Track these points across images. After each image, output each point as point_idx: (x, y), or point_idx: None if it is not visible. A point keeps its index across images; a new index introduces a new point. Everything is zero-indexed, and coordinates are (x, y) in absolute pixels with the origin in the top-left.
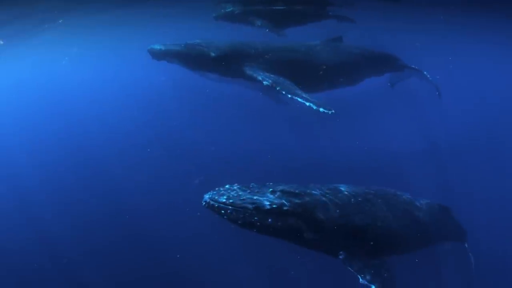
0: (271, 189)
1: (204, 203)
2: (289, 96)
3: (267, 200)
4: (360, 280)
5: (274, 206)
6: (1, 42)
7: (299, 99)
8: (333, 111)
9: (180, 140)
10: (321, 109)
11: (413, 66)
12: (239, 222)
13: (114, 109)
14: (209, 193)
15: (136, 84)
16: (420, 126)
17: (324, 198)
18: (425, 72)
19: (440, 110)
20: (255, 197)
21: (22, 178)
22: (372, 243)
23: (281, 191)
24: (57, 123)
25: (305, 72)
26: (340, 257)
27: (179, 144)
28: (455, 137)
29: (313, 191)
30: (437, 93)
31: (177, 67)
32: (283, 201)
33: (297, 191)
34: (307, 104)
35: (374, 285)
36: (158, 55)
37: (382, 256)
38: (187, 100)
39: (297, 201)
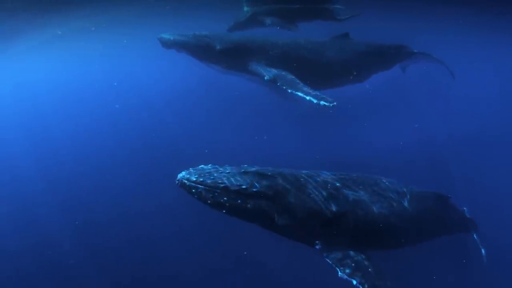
0: (243, 170)
1: (177, 181)
2: (289, 90)
3: (237, 180)
4: (339, 273)
5: (243, 186)
6: (59, 32)
7: (299, 94)
8: (335, 103)
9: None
10: (321, 103)
11: (421, 51)
12: (209, 202)
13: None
14: (183, 172)
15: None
16: (431, 122)
17: (298, 182)
18: (434, 55)
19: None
20: (225, 178)
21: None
22: (352, 233)
23: (253, 172)
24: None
25: (311, 69)
26: (317, 247)
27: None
28: (467, 132)
29: (287, 175)
30: (450, 73)
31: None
32: (254, 182)
33: (269, 173)
34: (307, 98)
35: (355, 280)
36: (167, 44)
37: (367, 249)
38: (207, 99)
39: (268, 183)
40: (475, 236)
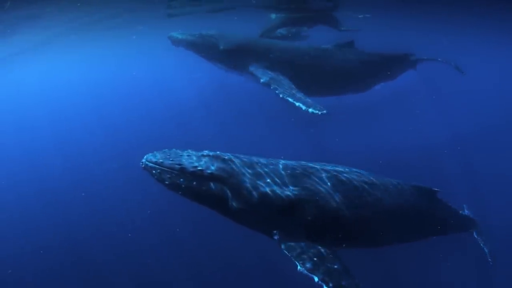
0: (201, 154)
1: (141, 163)
2: (281, 95)
3: (194, 162)
4: (298, 267)
5: (199, 168)
6: (141, 27)
7: (289, 99)
8: (324, 111)
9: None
10: (310, 110)
11: (427, 58)
12: (166, 182)
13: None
14: (147, 154)
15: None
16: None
17: (254, 166)
18: (439, 59)
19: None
20: (183, 160)
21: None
22: (312, 224)
23: (211, 156)
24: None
25: (312, 75)
26: (275, 237)
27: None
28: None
29: (245, 159)
30: (459, 71)
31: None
32: (209, 164)
33: (226, 157)
34: (297, 104)
35: (317, 277)
36: (175, 42)
37: (337, 245)
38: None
39: (222, 166)
40: (475, 234)
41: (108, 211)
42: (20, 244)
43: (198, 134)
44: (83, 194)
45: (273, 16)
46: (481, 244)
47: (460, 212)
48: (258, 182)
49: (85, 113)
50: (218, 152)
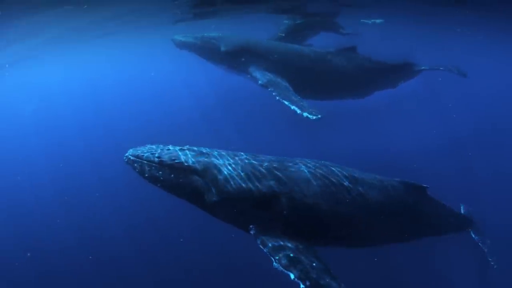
0: (181, 148)
1: (124, 158)
2: (278, 98)
3: (172, 156)
4: (274, 263)
5: (176, 161)
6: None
7: (285, 102)
8: (319, 116)
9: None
10: (304, 114)
11: (429, 67)
12: (146, 175)
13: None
14: (130, 149)
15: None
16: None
17: (230, 160)
18: (441, 68)
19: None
20: (163, 153)
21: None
22: (289, 219)
23: (189, 149)
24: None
25: (311, 78)
26: (251, 231)
27: None
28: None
29: (222, 153)
30: (462, 74)
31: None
32: (187, 157)
33: (204, 151)
34: (292, 107)
35: (293, 274)
36: (179, 45)
37: (314, 242)
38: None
39: (199, 159)
40: (472, 234)
41: (120, 211)
42: (20, 244)
43: (212, 135)
44: (97, 194)
45: (285, 21)
46: (480, 244)
47: (455, 210)
48: (234, 175)
49: (98, 114)
50: (198, 147)
